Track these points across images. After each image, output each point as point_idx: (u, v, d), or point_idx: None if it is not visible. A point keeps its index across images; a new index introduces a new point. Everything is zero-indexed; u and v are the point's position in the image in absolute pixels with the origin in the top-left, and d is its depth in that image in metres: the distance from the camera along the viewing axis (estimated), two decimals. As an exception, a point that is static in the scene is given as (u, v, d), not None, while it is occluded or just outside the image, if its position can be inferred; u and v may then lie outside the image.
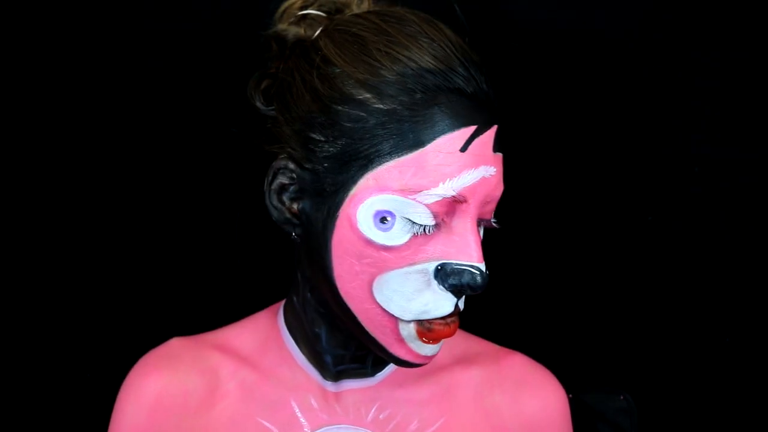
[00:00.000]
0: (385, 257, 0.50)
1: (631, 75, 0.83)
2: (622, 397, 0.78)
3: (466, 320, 0.68)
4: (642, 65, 0.83)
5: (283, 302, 0.64)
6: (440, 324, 0.52)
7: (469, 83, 0.50)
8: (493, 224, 0.55)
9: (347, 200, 0.50)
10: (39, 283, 0.86)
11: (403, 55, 0.50)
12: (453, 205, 0.50)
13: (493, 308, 0.87)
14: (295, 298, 0.60)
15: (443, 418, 0.59)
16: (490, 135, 0.51)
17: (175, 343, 0.63)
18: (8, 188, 0.84)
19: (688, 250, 0.86)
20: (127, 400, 0.60)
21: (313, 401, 0.59)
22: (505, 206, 0.85)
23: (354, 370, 0.60)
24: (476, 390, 0.61)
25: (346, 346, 0.58)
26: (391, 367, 0.61)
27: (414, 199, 0.49)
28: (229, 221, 0.85)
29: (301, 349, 0.61)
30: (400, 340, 0.53)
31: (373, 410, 0.59)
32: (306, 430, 0.58)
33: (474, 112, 0.50)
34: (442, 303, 0.51)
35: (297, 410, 0.58)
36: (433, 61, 0.49)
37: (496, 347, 0.65)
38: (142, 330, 0.81)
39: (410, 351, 0.53)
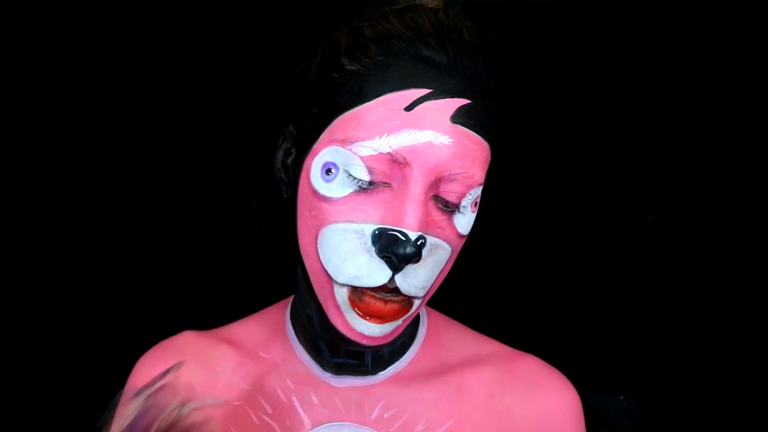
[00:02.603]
0: (326, 209, 0.51)
1: (631, 75, 0.83)
2: (622, 397, 0.78)
3: (468, 320, 0.68)
4: (642, 65, 0.83)
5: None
6: (373, 297, 0.51)
7: (439, 54, 0.50)
8: (463, 211, 0.53)
9: (310, 153, 0.53)
10: (39, 283, 0.86)
11: (380, 25, 0.51)
12: (395, 166, 0.50)
13: (494, 308, 0.87)
14: (297, 286, 0.61)
15: (453, 419, 0.58)
16: (449, 103, 0.50)
17: (186, 336, 0.64)
18: (9, 188, 0.84)
19: (688, 250, 0.86)
20: (134, 387, 0.61)
21: (313, 396, 0.58)
22: (506, 206, 0.86)
23: (354, 367, 0.59)
24: (488, 391, 0.60)
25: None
26: (396, 366, 0.60)
27: (350, 149, 0.50)
28: (242, 216, 0.86)
29: (300, 340, 0.61)
30: (337, 306, 0.53)
31: (377, 409, 0.58)
32: (307, 425, 0.57)
33: (436, 78, 0.50)
34: (375, 271, 0.50)
35: (297, 405, 0.58)
36: (403, 29, 0.51)
37: (509, 349, 0.64)
38: (143, 330, 0.81)
39: (346, 323, 0.53)
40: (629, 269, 0.87)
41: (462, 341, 0.64)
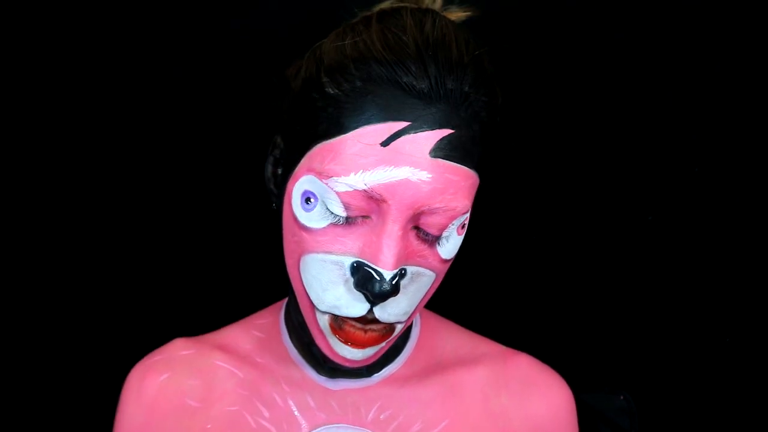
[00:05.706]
0: (306, 238, 0.51)
1: (631, 75, 0.83)
2: (622, 397, 0.78)
3: (468, 319, 0.68)
4: (642, 65, 0.83)
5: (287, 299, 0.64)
6: (352, 326, 0.51)
7: (420, 80, 0.47)
8: (444, 242, 0.52)
9: (292, 177, 0.52)
10: (39, 282, 0.86)
11: (362, 42, 0.49)
12: (372, 201, 0.48)
13: (494, 308, 0.87)
14: (290, 292, 0.61)
15: (448, 419, 0.59)
16: (428, 136, 0.47)
17: (177, 344, 0.64)
18: (9, 188, 0.84)
19: (688, 250, 0.86)
20: (127, 400, 0.61)
21: (310, 400, 0.58)
22: (505, 206, 0.86)
23: (349, 370, 0.59)
24: (482, 391, 0.60)
25: None
26: (390, 368, 0.60)
27: (326, 183, 0.49)
28: (236, 218, 0.86)
29: (294, 345, 0.61)
30: (320, 331, 0.53)
31: (373, 410, 0.58)
32: (304, 428, 0.57)
33: (416, 108, 0.47)
34: (353, 303, 0.50)
35: (294, 409, 0.58)
36: (383, 51, 0.48)
37: (502, 347, 0.64)
38: (143, 330, 0.81)
39: (329, 347, 0.53)
40: (629, 269, 0.87)
41: (455, 341, 0.64)
